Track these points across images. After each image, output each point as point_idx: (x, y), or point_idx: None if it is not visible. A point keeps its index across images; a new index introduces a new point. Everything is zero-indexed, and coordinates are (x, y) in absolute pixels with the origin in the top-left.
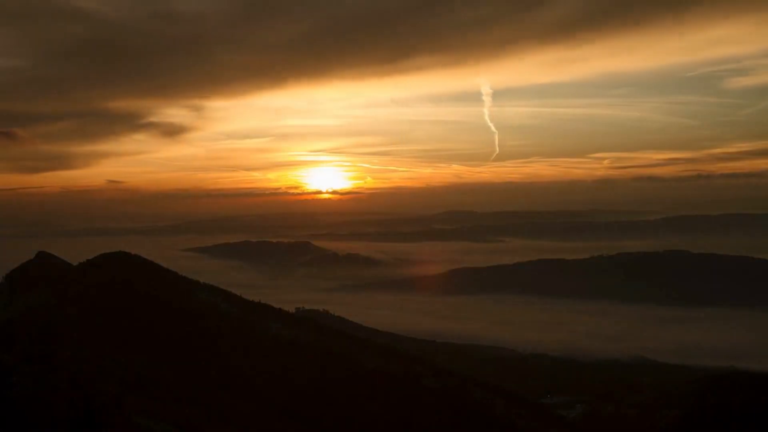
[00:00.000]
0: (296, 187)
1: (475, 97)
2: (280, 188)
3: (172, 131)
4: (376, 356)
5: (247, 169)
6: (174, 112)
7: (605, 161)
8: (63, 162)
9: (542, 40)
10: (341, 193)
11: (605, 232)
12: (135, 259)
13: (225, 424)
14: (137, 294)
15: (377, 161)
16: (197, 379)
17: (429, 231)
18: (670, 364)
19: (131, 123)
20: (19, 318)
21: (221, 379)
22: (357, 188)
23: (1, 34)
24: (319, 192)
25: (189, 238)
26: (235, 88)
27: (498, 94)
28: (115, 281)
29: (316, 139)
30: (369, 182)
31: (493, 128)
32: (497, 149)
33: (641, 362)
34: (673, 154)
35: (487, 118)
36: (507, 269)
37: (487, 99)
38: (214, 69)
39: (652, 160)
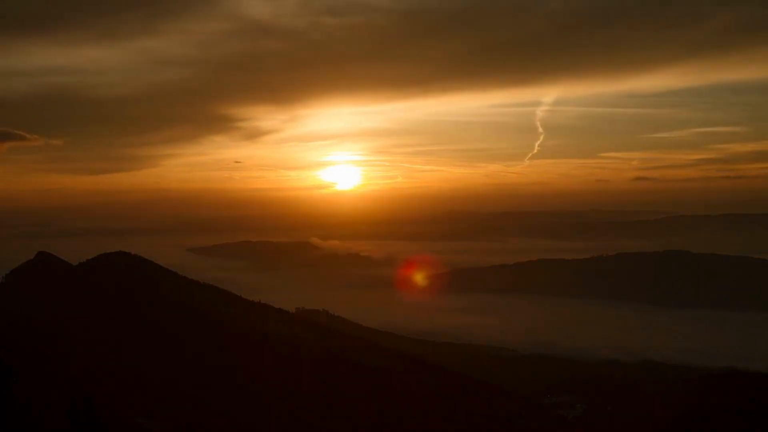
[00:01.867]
0: (314, 188)
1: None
2: (281, 188)
3: (254, 134)
4: (376, 356)
5: (287, 169)
6: (271, 117)
7: (634, 162)
8: (130, 163)
9: (679, 57)
10: (344, 193)
11: (605, 232)
12: (135, 259)
13: (225, 424)
14: (137, 294)
15: (419, 160)
16: (197, 379)
17: (430, 231)
18: (670, 364)
19: (219, 126)
20: (19, 318)
21: (221, 379)
22: (361, 187)
23: (179, 44)
24: (320, 187)
25: (189, 238)
26: (353, 97)
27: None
28: (114, 281)
29: (373, 139)
30: (399, 181)
31: (540, 129)
32: (535, 149)
33: (641, 362)
34: (703, 155)
35: (537, 121)
36: (507, 269)
37: (546, 100)
38: (342, 78)
39: (682, 160)
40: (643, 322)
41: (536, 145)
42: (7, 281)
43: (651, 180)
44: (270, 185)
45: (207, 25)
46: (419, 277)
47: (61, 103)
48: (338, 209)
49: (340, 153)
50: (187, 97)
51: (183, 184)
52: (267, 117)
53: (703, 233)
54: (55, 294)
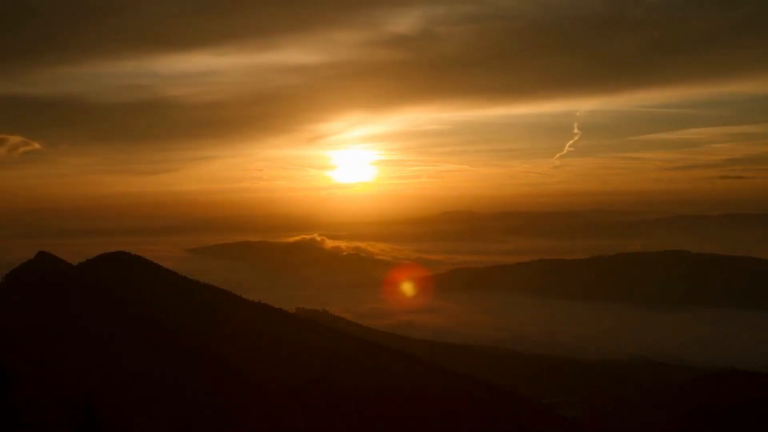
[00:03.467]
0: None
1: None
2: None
3: (314, 137)
4: (376, 356)
5: (318, 169)
6: (341, 120)
7: (656, 162)
8: (173, 165)
9: None
10: (355, 193)
11: (605, 232)
12: (135, 260)
13: (224, 424)
14: (136, 294)
15: (454, 160)
16: (197, 379)
17: (430, 231)
18: (670, 364)
19: (283, 128)
20: (19, 318)
21: (221, 379)
22: (376, 187)
23: (303, 53)
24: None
25: (189, 238)
26: (438, 104)
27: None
28: (114, 281)
29: (418, 139)
30: (422, 181)
31: (575, 129)
32: (565, 150)
33: (641, 362)
34: (730, 155)
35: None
36: (507, 269)
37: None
38: (437, 85)
39: (704, 160)
40: (643, 322)
41: (567, 145)
42: (7, 281)
43: (659, 180)
44: (288, 185)
45: (335, 35)
46: (419, 278)
47: (150, 109)
48: (344, 209)
49: (380, 153)
50: (273, 101)
51: (205, 186)
52: (338, 120)
53: (703, 233)
54: (55, 294)
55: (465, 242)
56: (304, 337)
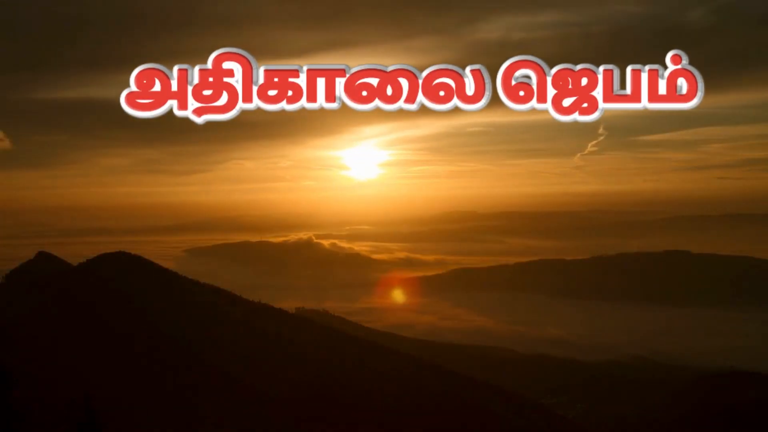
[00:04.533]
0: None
1: None
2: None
3: (357, 138)
4: (376, 356)
5: (339, 168)
6: (387, 123)
7: (672, 162)
8: (208, 166)
9: None
10: (362, 193)
11: (605, 232)
12: (135, 259)
13: (224, 425)
14: (137, 294)
15: (476, 159)
16: (197, 380)
17: (430, 231)
18: (670, 364)
19: (327, 131)
20: (19, 319)
21: (220, 380)
22: (384, 187)
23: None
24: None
25: (189, 238)
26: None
27: None
28: (115, 281)
29: (447, 140)
30: (439, 180)
31: (600, 130)
32: (587, 150)
33: (641, 362)
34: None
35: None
36: (507, 269)
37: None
38: None
39: (722, 160)
40: (644, 322)
41: (589, 145)
42: (7, 281)
43: (669, 180)
44: (303, 186)
45: (415, 43)
46: (419, 277)
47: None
48: (348, 208)
49: (403, 154)
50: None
51: (230, 186)
52: (385, 123)
53: (703, 233)
54: (55, 294)
55: (466, 242)
56: (304, 337)
